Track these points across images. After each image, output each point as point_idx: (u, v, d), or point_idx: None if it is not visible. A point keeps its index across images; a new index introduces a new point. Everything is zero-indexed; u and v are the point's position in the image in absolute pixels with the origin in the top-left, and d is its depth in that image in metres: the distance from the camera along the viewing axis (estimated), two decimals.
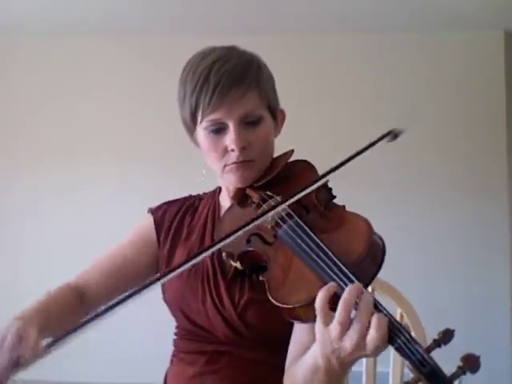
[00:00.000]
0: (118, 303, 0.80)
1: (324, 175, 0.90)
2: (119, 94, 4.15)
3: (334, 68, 4.06)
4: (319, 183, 0.91)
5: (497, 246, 3.90)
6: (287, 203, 0.89)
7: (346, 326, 0.72)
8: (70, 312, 1.10)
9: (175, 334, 1.17)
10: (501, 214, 3.91)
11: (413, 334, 1.29)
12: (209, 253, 0.86)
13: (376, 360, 1.34)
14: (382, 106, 3.77)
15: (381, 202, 3.91)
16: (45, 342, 0.80)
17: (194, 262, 0.84)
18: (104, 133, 4.12)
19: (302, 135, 3.77)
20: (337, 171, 0.88)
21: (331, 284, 0.74)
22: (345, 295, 0.72)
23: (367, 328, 0.71)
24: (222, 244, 0.86)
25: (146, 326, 3.60)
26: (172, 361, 1.17)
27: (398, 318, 1.34)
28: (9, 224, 4.17)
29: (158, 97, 4.04)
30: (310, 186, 0.89)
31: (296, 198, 0.89)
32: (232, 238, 0.86)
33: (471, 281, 3.89)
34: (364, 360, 1.35)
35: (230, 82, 1.00)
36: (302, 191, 0.88)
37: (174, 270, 0.83)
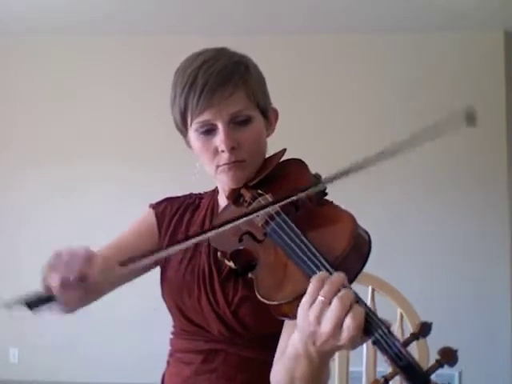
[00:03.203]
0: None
1: (331, 179, 0.90)
2: (119, 94, 4.15)
3: (333, 68, 4.07)
4: (316, 189, 0.92)
5: (497, 245, 3.91)
6: (274, 204, 0.90)
7: (324, 307, 0.73)
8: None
9: (172, 334, 1.18)
10: (501, 214, 3.92)
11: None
12: (199, 239, 0.90)
13: (376, 360, 1.34)
14: (381, 106, 3.78)
15: (381, 203, 3.92)
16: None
17: (182, 245, 0.87)
18: (104, 133, 4.13)
19: (301, 135, 3.78)
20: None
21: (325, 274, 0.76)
22: (332, 278, 0.74)
23: (344, 318, 0.71)
24: (212, 233, 0.90)
25: (145, 327, 3.61)
26: (168, 361, 1.18)
27: (397, 318, 1.34)
28: (9, 223, 4.17)
29: (158, 97, 4.04)
30: (303, 190, 0.91)
31: (286, 201, 0.90)
32: (216, 231, 0.88)
33: (471, 281, 3.89)
34: (364, 360, 1.35)
35: (217, 82, 1.00)
36: (294, 195, 0.90)
37: (175, 244, 0.87)
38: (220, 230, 0.88)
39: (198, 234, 0.90)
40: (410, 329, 1.31)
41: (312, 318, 0.74)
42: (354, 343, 0.72)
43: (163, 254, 0.87)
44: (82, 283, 0.85)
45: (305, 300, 0.75)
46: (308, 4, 3.64)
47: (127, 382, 3.79)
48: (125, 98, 4.13)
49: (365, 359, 1.36)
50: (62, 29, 4.04)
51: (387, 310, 1.36)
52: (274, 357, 0.99)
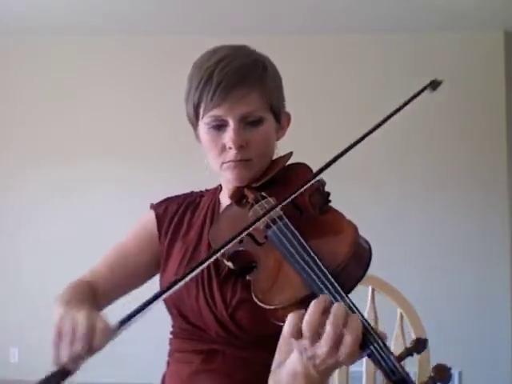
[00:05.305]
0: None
1: (321, 170, 0.90)
2: (119, 94, 4.15)
3: (333, 68, 4.07)
4: (314, 180, 0.92)
5: (497, 246, 3.91)
6: (278, 206, 0.89)
7: (314, 337, 0.72)
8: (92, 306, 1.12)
9: (171, 334, 1.18)
10: (501, 214, 3.92)
11: (412, 334, 1.30)
12: (209, 263, 0.87)
13: None
14: (380, 106, 3.78)
15: (381, 203, 3.92)
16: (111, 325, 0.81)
17: (193, 274, 0.84)
18: (104, 133, 4.13)
19: (300, 135, 3.77)
20: (340, 159, 0.87)
21: (300, 312, 0.74)
22: (309, 310, 0.72)
23: (338, 337, 0.71)
24: (218, 254, 0.87)
25: (145, 326, 3.61)
26: (168, 361, 1.18)
27: (397, 318, 1.34)
28: (9, 223, 4.17)
29: (158, 97, 4.05)
30: (303, 185, 0.90)
31: (288, 200, 0.89)
32: (226, 248, 0.86)
33: (471, 281, 3.89)
34: (364, 360, 1.35)
35: (234, 81, 1.00)
36: (295, 191, 0.89)
37: (175, 283, 0.83)
38: (227, 247, 0.86)
39: (207, 257, 0.87)
40: (410, 329, 1.31)
41: (306, 344, 0.73)
42: (352, 359, 0.72)
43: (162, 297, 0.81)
44: (90, 353, 0.83)
45: (292, 332, 0.74)
46: (308, 4, 3.64)
47: (127, 382, 3.78)
48: (125, 98, 4.13)
49: (365, 359, 1.36)
50: (62, 29, 4.04)
51: (387, 310, 1.37)
52: (272, 357, 0.99)
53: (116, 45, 4.17)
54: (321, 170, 0.90)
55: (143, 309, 0.79)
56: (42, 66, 4.21)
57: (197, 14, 3.81)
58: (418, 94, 0.93)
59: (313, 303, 0.73)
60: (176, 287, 0.83)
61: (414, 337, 1.28)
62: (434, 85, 0.94)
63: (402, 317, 1.35)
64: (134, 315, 0.78)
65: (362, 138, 0.91)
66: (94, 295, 1.15)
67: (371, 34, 4.01)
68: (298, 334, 0.73)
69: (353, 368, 1.33)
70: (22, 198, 4.15)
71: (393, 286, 1.36)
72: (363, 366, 1.36)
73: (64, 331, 0.84)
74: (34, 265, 4.07)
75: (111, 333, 0.80)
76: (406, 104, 0.92)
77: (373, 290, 1.36)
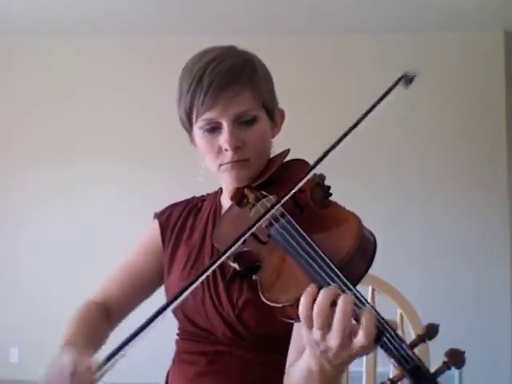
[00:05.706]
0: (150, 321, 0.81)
1: (319, 161, 0.89)
2: (119, 94, 4.15)
3: (333, 68, 4.06)
4: (312, 172, 0.91)
5: (497, 245, 3.91)
6: (279, 203, 0.89)
7: (324, 328, 0.72)
8: (103, 330, 1.14)
9: (177, 335, 1.18)
10: (501, 214, 3.92)
11: (412, 334, 1.29)
12: (215, 266, 0.86)
13: (376, 360, 1.34)
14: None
15: (381, 203, 3.91)
16: (96, 367, 0.83)
17: (202, 278, 0.84)
18: (104, 133, 4.13)
19: (299, 135, 3.77)
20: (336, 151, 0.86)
21: (311, 286, 0.74)
22: (318, 300, 0.72)
23: (350, 327, 0.71)
24: (224, 257, 0.86)
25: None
26: (174, 361, 1.18)
27: (397, 318, 1.34)
28: (9, 223, 4.17)
29: (158, 97, 4.05)
30: (301, 179, 0.89)
31: (288, 195, 0.88)
32: (231, 250, 0.86)
33: (471, 281, 3.89)
34: (364, 360, 1.35)
35: (224, 81, 1.00)
36: (294, 187, 0.88)
37: (182, 292, 0.83)
38: (232, 249, 0.86)
39: (213, 262, 0.87)
40: (410, 329, 1.31)
41: (317, 338, 0.73)
42: (366, 351, 0.72)
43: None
44: None
45: (304, 325, 0.74)
46: (308, 4, 3.64)
47: (129, 382, 3.78)
48: (125, 98, 4.13)
49: (365, 359, 1.36)
50: (62, 29, 4.04)
51: (387, 310, 1.36)
52: (278, 359, 0.99)
53: (116, 45, 4.17)
54: (319, 161, 0.89)
55: (146, 327, 0.79)
56: (42, 66, 4.21)
57: (197, 14, 3.81)
58: (390, 89, 0.91)
59: (322, 291, 0.73)
60: (183, 296, 0.83)
61: (414, 337, 1.28)
62: (408, 79, 0.92)
63: (402, 317, 1.35)
64: (113, 358, 0.78)
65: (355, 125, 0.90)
66: (106, 316, 1.17)
67: (371, 34, 4.01)
68: (309, 319, 0.73)
69: (353, 368, 1.33)
70: (22, 198, 4.14)
71: (393, 285, 1.36)
72: (363, 365, 1.36)
73: (53, 375, 0.88)
74: (34, 265, 4.06)
75: (96, 373, 0.82)
76: (378, 102, 0.90)
77: (373, 290, 1.36)
